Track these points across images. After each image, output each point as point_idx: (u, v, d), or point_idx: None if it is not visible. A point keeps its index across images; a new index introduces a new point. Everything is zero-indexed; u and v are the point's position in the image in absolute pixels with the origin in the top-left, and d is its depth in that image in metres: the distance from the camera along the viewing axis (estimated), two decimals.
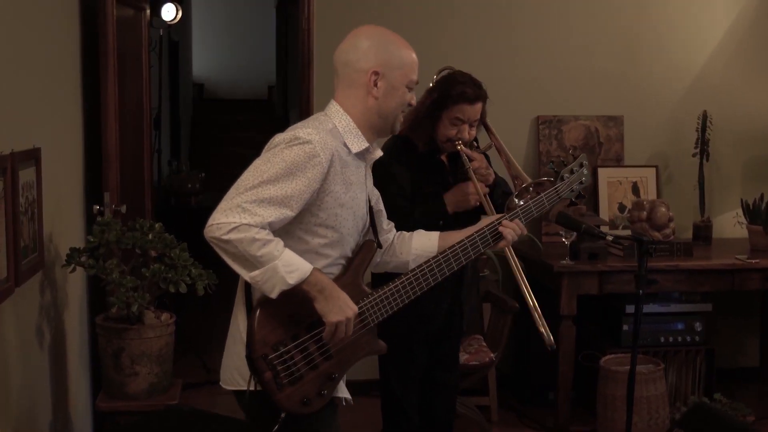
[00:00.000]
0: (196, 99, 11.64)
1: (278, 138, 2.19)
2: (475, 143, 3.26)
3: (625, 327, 4.33)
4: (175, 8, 5.93)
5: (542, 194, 2.54)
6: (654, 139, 4.96)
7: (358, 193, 2.29)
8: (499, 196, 3.22)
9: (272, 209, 2.08)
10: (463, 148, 3.14)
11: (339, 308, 2.15)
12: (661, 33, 4.94)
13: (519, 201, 2.98)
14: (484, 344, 4.17)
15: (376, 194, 2.52)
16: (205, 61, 12.08)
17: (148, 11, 4.59)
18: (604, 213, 4.80)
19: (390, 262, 2.56)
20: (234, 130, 10.92)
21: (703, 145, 4.78)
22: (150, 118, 4.61)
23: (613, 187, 4.82)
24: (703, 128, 4.77)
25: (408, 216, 3.02)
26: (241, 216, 2.05)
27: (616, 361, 4.12)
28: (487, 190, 3.14)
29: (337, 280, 2.25)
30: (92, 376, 3.86)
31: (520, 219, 2.51)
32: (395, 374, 3.32)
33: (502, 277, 4.50)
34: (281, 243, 2.11)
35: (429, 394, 3.42)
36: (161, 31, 6.07)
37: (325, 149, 2.16)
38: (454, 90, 3.11)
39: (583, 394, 4.42)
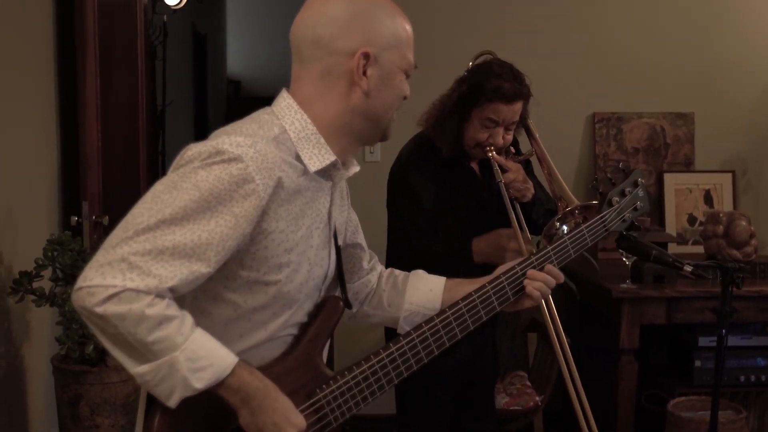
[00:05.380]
0: (231, 97, 11.21)
1: (192, 150, 1.48)
2: (512, 149, 2.67)
3: (698, 363, 3.74)
4: None
5: (583, 226, 1.89)
6: (730, 140, 4.39)
7: (315, 232, 1.61)
8: (540, 215, 2.65)
9: (176, 265, 1.41)
10: (496, 155, 2.56)
11: (274, 426, 1.49)
12: (739, 16, 4.37)
13: (562, 226, 2.40)
14: (528, 383, 3.57)
15: (353, 222, 1.85)
16: (242, 57, 11.66)
17: None
18: (671, 226, 4.22)
19: (373, 316, 1.91)
20: None
21: None
22: (147, 116, 4.07)
23: (682, 195, 4.27)
24: None
25: (425, 249, 2.48)
26: (126, 276, 1.37)
27: (687, 404, 3.56)
28: (533, 249, 2.53)
29: (286, 356, 1.60)
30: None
31: (552, 263, 1.84)
32: (415, 425, 2.82)
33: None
34: (189, 321, 1.44)
35: None
36: (165, 17, 5.57)
37: (264, 170, 1.48)
38: (489, 84, 2.53)
39: None
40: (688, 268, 2.30)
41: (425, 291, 1.85)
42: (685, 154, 4.32)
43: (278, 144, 1.54)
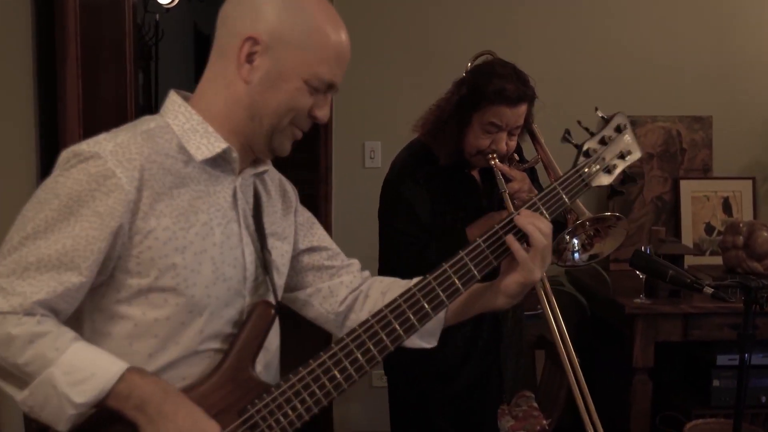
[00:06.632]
0: None
1: (59, 159, 1.41)
2: (516, 156, 2.48)
3: (716, 383, 3.57)
4: None
5: (555, 183, 1.63)
6: (750, 145, 4.23)
7: (217, 229, 1.46)
8: None
9: (43, 279, 1.32)
10: (499, 163, 2.39)
11: None
12: (759, 14, 4.21)
13: (572, 240, 2.21)
14: (535, 405, 3.34)
15: (304, 225, 1.71)
16: None
17: None
18: (688, 236, 4.04)
19: None
20: None
21: None
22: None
23: (699, 203, 4.09)
24: None
25: (420, 259, 2.30)
26: None
27: (704, 427, 3.37)
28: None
29: (212, 374, 1.45)
30: None
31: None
32: None
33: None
34: (67, 336, 1.34)
35: None
36: (157, 16, 5.41)
37: (126, 161, 1.37)
38: (491, 85, 2.36)
39: None
40: (709, 291, 2.15)
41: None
42: (703, 159, 4.15)
43: (150, 136, 1.42)
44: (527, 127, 2.49)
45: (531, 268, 1.53)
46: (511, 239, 1.54)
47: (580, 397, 2.54)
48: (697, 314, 3.42)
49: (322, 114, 1.50)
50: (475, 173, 2.53)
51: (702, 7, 4.15)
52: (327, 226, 4.00)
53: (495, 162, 2.38)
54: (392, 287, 1.70)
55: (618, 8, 4.12)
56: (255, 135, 1.49)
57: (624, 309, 3.38)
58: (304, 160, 5.53)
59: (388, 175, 2.53)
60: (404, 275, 1.94)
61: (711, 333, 3.44)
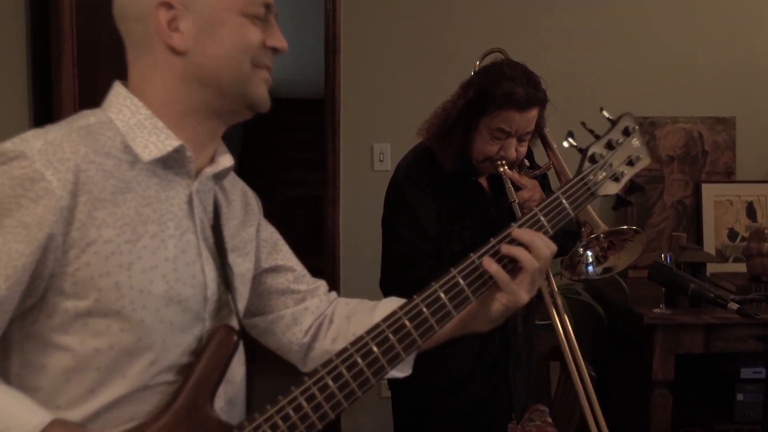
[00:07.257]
0: None
1: None
2: (526, 162, 2.35)
3: (740, 396, 3.47)
4: None
5: (558, 192, 1.47)
6: None
7: (170, 241, 1.27)
8: (559, 238, 2.32)
9: None
10: (508, 171, 2.26)
11: None
12: None
13: (586, 252, 2.08)
14: (550, 420, 3.22)
15: (269, 241, 1.54)
16: None
17: None
18: (710, 242, 3.90)
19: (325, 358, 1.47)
20: (292, 131, 10.35)
21: None
22: None
23: (722, 208, 3.96)
24: None
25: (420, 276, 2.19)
26: None
27: None
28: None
29: (163, 412, 1.24)
30: None
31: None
32: None
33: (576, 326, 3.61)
34: None
35: None
36: None
37: (58, 162, 1.19)
38: (499, 89, 2.23)
39: None
40: (734, 307, 2.02)
41: (367, 318, 1.48)
42: (726, 162, 4.03)
43: (88, 133, 1.25)
44: (538, 132, 2.37)
45: (514, 290, 1.38)
46: (488, 261, 1.38)
47: (590, 414, 2.43)
48: (720, 325, 3.29)
49: (279, 42, 1.33)
50: (483, 180, 2.42)
51: (725, 4, 4.03)
52: (334, 230, 3.89)
53: (504, 169, 2.25)
54: (357, 310, 1.54)
55: (637, 4, 4.00)
56: (224, 103, 1.32)
57: (642, 319, 3.26)
58: (311, 161, 5.40)
59: (391, 181, 2.44)
60: (400, 282, 1.83)
61: (734, 345, 3.32)
